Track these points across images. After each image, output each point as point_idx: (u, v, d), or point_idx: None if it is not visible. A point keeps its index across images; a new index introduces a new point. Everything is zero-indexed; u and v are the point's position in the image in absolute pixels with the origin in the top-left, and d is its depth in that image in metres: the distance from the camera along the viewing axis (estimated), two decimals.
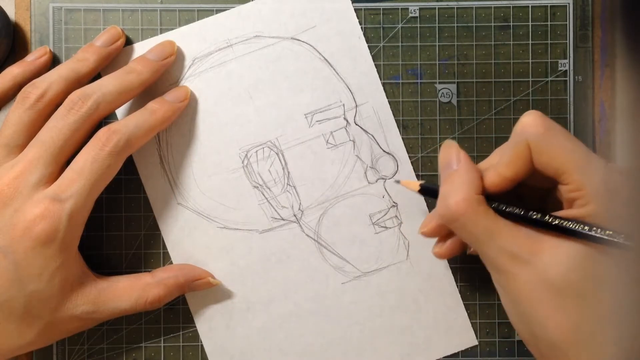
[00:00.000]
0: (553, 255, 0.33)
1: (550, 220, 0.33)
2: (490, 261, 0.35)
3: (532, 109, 0.42)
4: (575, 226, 0.33)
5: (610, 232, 0.32)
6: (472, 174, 0.35)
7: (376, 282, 0.42)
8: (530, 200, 0.37)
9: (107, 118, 0.41)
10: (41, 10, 0.42)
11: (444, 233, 0.38)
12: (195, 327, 0.42)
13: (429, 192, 0.39)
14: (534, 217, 0.34)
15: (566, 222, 0.33)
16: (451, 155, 0.37)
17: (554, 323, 0.33)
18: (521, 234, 0.34)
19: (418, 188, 0.39)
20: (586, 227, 0.32)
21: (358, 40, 0.42)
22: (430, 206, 0.42)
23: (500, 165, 0.35)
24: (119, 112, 0.42)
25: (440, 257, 0.40)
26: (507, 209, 0.35)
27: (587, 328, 0.32)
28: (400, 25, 0.42)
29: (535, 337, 0.34)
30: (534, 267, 0.33)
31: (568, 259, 0.33)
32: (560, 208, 0.35)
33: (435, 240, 0.40)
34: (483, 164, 0.37)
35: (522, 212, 0.34)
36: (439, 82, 0.42)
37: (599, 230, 0.32)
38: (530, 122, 0.34)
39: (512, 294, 0.34)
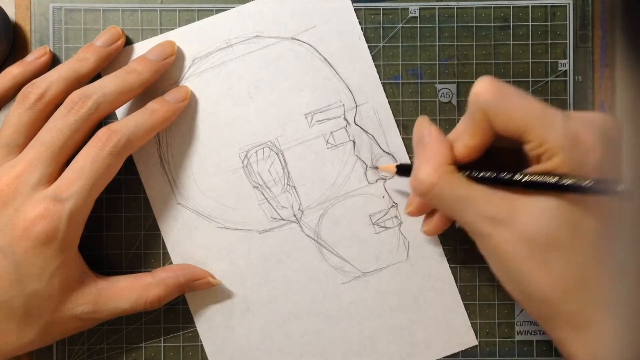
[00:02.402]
0: (529, 212, 0.34)
1: (520, 178, 0.34)
2: (470, 227, 0.35)
3: None
4: (544, 179, 0.33)
5: (579, 179, 0.32)
6: (441, 145, 0.36)
7: (376, 282, 0.42)
8: (514, 162, 0.37)
9: (107, 118, 0.41)
10: (41, 10, 0.42)
11: (429, 210, 0.39)
12: (195, 327, 0.42)
13: (406, 171, 0.39)
14: (505, 177, 0.34)
15: (535, 177, 0.34)
16: (423, 130, 0.38)
17: (540, 277, 0.34)
18: (497, 197, 0.34)
19: (395, 170, 0.40)
20: (554, 178, 0.33)
21: (358, 40, 0.42)
22: None
23: (465, 136, 0.36)
24: (119, 112, 0.42)
25: (430, 234, 0.41)
26: (480, 175, 0.35)
27: (573, 278, 0.33)
28: (400, 25, 0.42)
29: (526, 294, 0.35)
30: (512, 227, 0.34)
31: (543, 213, 0.33)
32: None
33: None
34: (452, 134, 0.38)
35: (494, 175, 0.35)
36: (439, 82, 0.42)
37: (567, 179, 0.33)
38: (481, 90, 0.35)
39: (497, 256, 0.35)
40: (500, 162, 0.38)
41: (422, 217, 0.41)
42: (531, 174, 0.34)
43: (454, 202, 0.35)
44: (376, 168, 0.41)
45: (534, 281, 0.34)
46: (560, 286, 0.34)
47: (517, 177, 0.34)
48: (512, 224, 0.34)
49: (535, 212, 0.34)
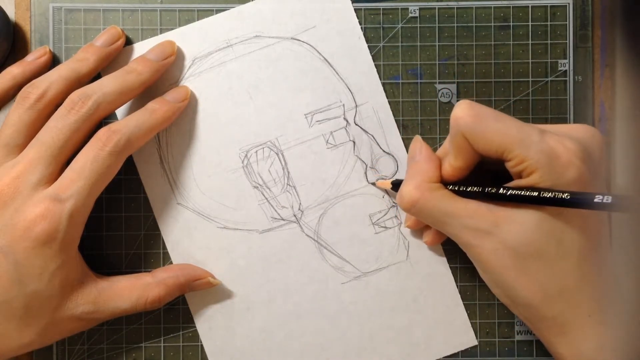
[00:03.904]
0: (511, 223, 0.35)
1: (504, 192, 0.35)
2: (456, 239, 0.37)
3: (532, 109, 0.42)
4: (527, 193, 0.35)
5: (557, 192, 0.34)
6: (428, 163, 0.38)
7: (376, 282, 0.42)
8: (504, 170, 0.38)
9: (107, 118, 0.41)
10: (41, 10, 0.42)
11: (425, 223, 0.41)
12: (195, 327, 0.42)
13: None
14: (491, 191, 0.36)
15: (517, 191, 0.35)
16: (415, 149, 0.39)
17: (522, 285, 0.35)
18: (482, 209, 0.36)
19: (390, 186, 0.41)
20: (535, 192, 0.34)
21: (358, 40, 0.42)
22: None
23: (450, 157, 0.37)
24: (119, 112, 0.42)
25: (431, 244, 0.42)
26: (467, 189, 0.37)
27: (554, 285, 0.35)
28: (400, 25, 0.42)
29: (511, 300, 0.37)
30: (496, 237, 0.35)
31: (525, 225, 0.35)
32: None
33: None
34: (440, 152, 0.40)
35: (479, 190, 0.36)
36: (439, 82, 0.42)
37: (547, 192, 0.34)
38: (459, 115, 0.36)
39: (482, 264, 0.37)
40: (490, 171, 0.38)
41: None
42: (514, 189, 0.35)
43: (439, 216, 0.37)
44: (374, 184, 0.42)
45: (516, 288, 0.36)
46: (541, 293, 0.35)
47: (502, 191, 0.35)
48: (496, 234, 0.35)
49: (517, 223, 0.35)
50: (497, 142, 0.35)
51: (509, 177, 0.36)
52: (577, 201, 0.33)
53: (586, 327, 0.35)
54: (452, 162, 0.37)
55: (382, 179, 0.42)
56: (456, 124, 0.36)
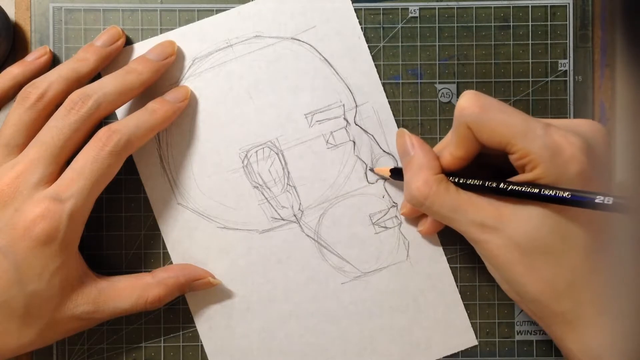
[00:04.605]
0: (516, 219, 0.35)
1: (504, 187, 0.35)
2: (465, 234, 0.37)
3: (532, 109, 0.42)
4: (527, 189, 0.34)
5: (558, 191, 0.33)
6: (427, 156, 0.38)
7: (376, 282, 0.42)
8: (506, 164, 0.38)
9: (107, 118, 0.41)
10: (41, 10, 0.42)
11: (421, 212, 0.40)
12: (195, 327, 0.42)
13: (399, 174, 0.40)
14: (491, 185, 0.35)
15: (518, 187, 0.35)
16: (405, 143, 0.39)
17: (530, 281, 0.35)
18: (485, 204, 0.36)
19: (389, 174, 0.41)
20: (535, 189, 0.34)
21: (358, 40, 0.42)
22: None
23: (451, 147, 0.37)
24: (119, 112, 0.42)
25: (426, 234, 0.41)
26: (468, 182, 0.36)
27: (561, 280, 0.35)
28: (400, 25, 0.42)
29: (519, 295, 0.36)
30: (501, 233, 0.35)
31: (530, 221, 0.35)
32: None
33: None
34: (440, 145, 0.39)
35: (480, 183, 0.36)
36: (439, 82, 0.42)
37: (547, 190, 0.34)
38: (464, 104, 0.35)
39: (490, 260, 0.36)
40: (492, 164, 0.38)
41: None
42: (515, 184, 0.35)
43: (446, 212, 0.36)
44: (372, 170, 0.42)
45: (524, 284, 0.35)
46: (549, 288, 0.35)
47: (502, 186, 0.35)
48: (501, 230, 0.35)
49: (522, 219, 0.35)
50: (501, 134, 0.35)
51: (511, 171, 0.36)
52: (578, 200, 0.33)
53: (595, 322, 0.35)
54: (453, 152, 0.37)
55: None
56: (461, 114, 0.36)
